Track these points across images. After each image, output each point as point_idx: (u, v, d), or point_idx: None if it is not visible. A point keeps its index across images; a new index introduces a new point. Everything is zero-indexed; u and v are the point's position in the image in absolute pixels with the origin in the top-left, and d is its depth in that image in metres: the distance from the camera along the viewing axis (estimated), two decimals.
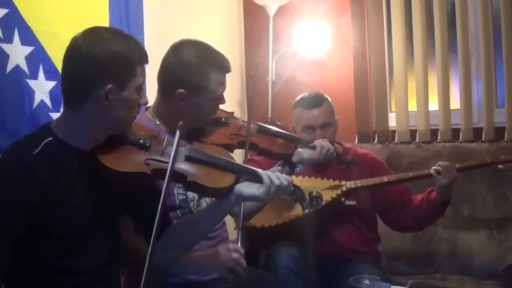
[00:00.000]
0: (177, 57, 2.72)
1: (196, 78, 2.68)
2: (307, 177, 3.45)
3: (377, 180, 3.44)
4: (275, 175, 2.25)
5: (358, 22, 4.67)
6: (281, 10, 4.73)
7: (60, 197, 2.07)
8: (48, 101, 3.03)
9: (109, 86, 2.08)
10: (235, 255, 2.58)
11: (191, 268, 2.58)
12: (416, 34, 4.42)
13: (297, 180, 3.32)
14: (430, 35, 4.42)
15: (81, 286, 2.17)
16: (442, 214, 3.47)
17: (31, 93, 3.00)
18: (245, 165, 2.40)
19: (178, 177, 2.17)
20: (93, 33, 2.13)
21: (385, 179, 3.44)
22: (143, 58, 2.19)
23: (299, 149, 3.09)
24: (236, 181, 2.26)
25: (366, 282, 2.27)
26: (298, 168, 3.11)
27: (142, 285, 1.81)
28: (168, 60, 2.75)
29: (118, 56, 2.09)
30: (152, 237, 1.86)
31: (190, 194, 2.76)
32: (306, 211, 2.81)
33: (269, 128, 3.08)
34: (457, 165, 3.32)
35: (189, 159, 2.23)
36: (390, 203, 3.53)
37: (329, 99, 3.60)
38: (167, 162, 2.09)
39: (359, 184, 3.42)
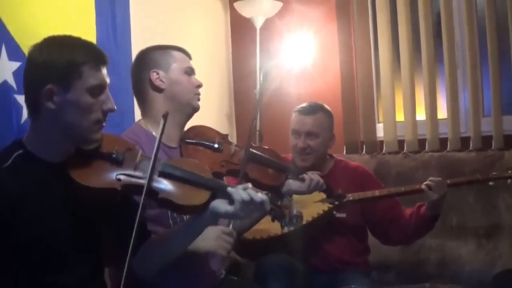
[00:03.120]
0: None
1: None
2: None
3: (368, 194, 3.44)
4: (246, 192, 2.17)
5: (344, 34, 4.69)
6: (268, 23, 4.75)
7: (30, 212, 2.04)
8: None
9: (48, 86, 2.04)
10: (228, 238, 2.61)
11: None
12: (402, 45, 4.44)
13: None
14: (416, 45, 4.44)
15: None
16: (431, 229, 3.48)
17: (19, 108, 2.98)
18: (220, 181, 2.35)
19: (151, 193, 2.12)
20: (42, 41, 2.13)
21: (377, 193, 3.45)
22: (94, 59, 2.11)
23: (289, 180, 3.06)
24: (212, 198, 2.20)
25: None
26: (286, 199, 3.10)
27: None
28: None
29: (56, 57, 2.07)
30: (129, 252, 1.85)
31: None
32: (285, 229, 2.75)
33: (261, 157, 3.01)
34: (448, 181, 3.34)
35: (162, 174, 2.19)
36: (380, 217, 3.54)
37: (329, 113, 3.63)
38: (140, 177, 2.08)
39: (350, 198, 3.41)
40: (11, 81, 2.95)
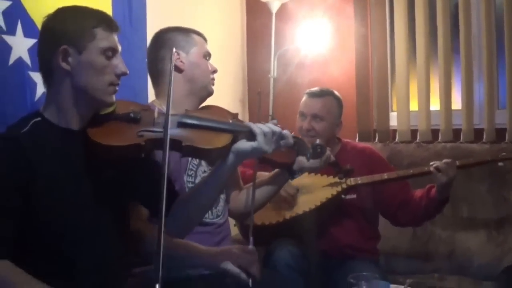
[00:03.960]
0: None
1: None
2: (306, 174, 3.42)
3: (376, 177, 3.44)
4: (265, 125, 2.26)
5: (360, 21, 4.67)
6: (284, 8, 4.72)
7: (50, 178, 2.06)
8: None
9: (63, 46, 2.10)
10: (250, 258, 2.59)
11: (203, 260, 2.58)
12: (418, 34, 4.42)
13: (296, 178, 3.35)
14: (433, 35, 4.42)
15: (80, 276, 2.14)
16: (440, 211, 3.48)
17: (33, 85, 2.99)
18: (239, 123, 2.38)
19: (174, 144, 2.13)
20: (55, 11, 2.20)
21: (385, 176, 3.44)
22: (107, 23, 2.18)
23: (300, 158, 3.06)
24: (234, 141, 2.24)
25: (365, 280, 2.27)
26: (297, 175, 3.10)
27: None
28: None
29: (70, 20, 2.14)
30: (163, 208, 1.82)
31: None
32: (311, 162, 2.76)
33: None
34: (457, 162, 3.32)
35: (182, 125, 2.23)
36: (389, 199, 3.53)
37: (338, 99, 3.65)
38: (160, 131, 2.10)
39: (359, 181, 3.42)
40: (26, 58, 2.96)
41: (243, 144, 2.23)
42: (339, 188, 3.40)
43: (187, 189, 2.70)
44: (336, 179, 3.42)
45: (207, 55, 2.91)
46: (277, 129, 2.27)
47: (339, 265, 3.33)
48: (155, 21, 3.68)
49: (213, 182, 2.32)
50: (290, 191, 3.35)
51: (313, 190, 3.41)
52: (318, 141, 2.56)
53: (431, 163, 3.31)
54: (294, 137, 2.38)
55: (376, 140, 4.53)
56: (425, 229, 3.96)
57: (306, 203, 3.39)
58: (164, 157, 1.85)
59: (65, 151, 2.14)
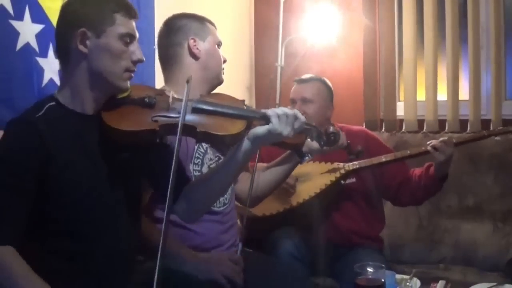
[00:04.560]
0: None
1: None
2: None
3: (375, 160, 3.44)
4: (278, 108, 2.24)
5: (369, 10, 4.66)
6: None
7: (65, 161, 2.08)
8: (57, 80, 3.01)
9: (82, 29, 2.11)
10: (236, 267, 2.66)
11: (190, 266, 2.59)
12: (427, 24, 4.40)
13: None
14: (441, 25, 4.40)
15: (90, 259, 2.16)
16: (440, 189, 3.49)
17: (40, 71, 2.99)
18: (253, 109, 2.38)
19: (188, 129, 2.15)
20: None
21: (383, 158, 3.45)
22: (126, 9, 2.20)
23: (309, 140, 3.04)
24: (248, 127, 2.24)
25: (371, 269, 2.27)
26: (307, 158, 3.08)
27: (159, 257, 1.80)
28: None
29: (90, 3, 2.16)
30: (169, 193, 1.85)
31: (205, 170, 2.78)
32: (325, 148, 2.73)
33: None
34: (454, 140, 3.33)
35: (196, 110, 2.23)
36: (389, 180, 3.55)
37: (326, 83, 3.69)
38: (175, 117, 2.12)
39: (357, 166, 3.43)
40: (34, 44, 2.95)
41: (259, 129, 2.21)
42: (337, 174, 3.41)
43: (193, 178, 2.69)
44: (335, 165, 3.44)
45: (220, 44, 2.93)
46: (290, 111, 2.24)
47: (343, 254, 3.34)
48: (163, 9, 3.68)
49: (228, 168, 2.31)
50: (290, 181, 3.34)
51: (311, 177, 3.42)
52: (331, 128, 2.54)
53: (428, 142, 3.33)
54: (307, 123, 2.36)
55: (383, 130, 4.52)
56: (431, 219, 3.96)
57: (305, 191, 3.40)
58: (178, 141, 1.89)
59: (80, 135, 2.15)
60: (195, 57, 2.84)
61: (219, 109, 2.26)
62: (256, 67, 5.12)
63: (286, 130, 2.21)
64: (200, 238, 2.74)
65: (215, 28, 2.95)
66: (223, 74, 2.93)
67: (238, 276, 2.64)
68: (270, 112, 2.22)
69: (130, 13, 2.20)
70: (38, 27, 2.96)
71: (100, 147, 2.17)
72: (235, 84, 4.81)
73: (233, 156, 2.26)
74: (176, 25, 2.88)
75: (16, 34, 2.88)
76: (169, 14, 2.94)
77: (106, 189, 2.18)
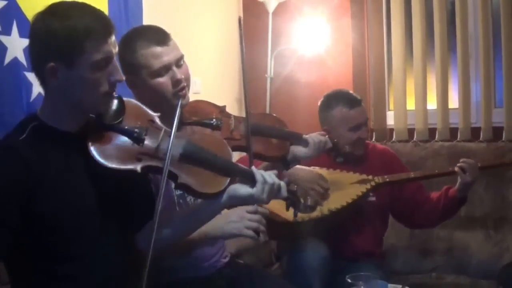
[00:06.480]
0: None
1: None
2: (331, 170, 3.38)
3: (403, 175, 3.42)
4: (268, 174, 2.18)
5: (357, 20, 4.67)
6: (281, 7, 4.72)
7: (52, 183, 1.99)
8: None
9: (50, 64, 1.96)
10: (256, 217, 2.49)
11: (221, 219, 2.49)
12: (415, 33, 4.41)
13: (324, 173, 3.27)
14: (430, 34, 4.41)
15: None
16: (456, 212, 3.49)
17: (28, 85, 2.98)
18: (240, 166, 2.28)
19: (171, 175, 2.08)
20: (45, 9, 2.04)
21: (412, 174, 3.43)
22: (98, 31, 1.99)
23: (293, 147, 2.98)
24: (230, 183, 2.17)
25: (362, 280, 2.26)
26: (291, 165, 3.02)
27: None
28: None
29: (58, 30, 1.95)
30: (154, 229, 1.84)
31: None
32: (298, 215, 2.60)
33: (264, 128, 2.87)
34: (479, 164, 3.32)
35: (184, 158, 2.14)
36: (406, 200, 3.51)
37: None
38: (161, 160, 2.05)
39: (387, 179, 3.36)
40: (22, 58, 2.95)
41: (240, 189, 2.17)
42: (368, 186, 3.32)
43: (175, 197, 2.61)
44: (364, 176, 3.35)
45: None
46: (277, 182, 2.18)
47: (344, 267, 3.26)
48: (152, 18, 3.68)
49: (201, 216, 2.27)
50: (325, 185, 3.21)
51: (340, 187, 3.30)
52: (309, 201, 2.49)
53: (458, 163, 3.30)
54: (288, 190, 2.29)
55: (373, 139, 4.52)
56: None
57: (337, 199, 3.26)
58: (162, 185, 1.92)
59: (66, 153, 2.07)
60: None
61: (206, 162, 2.17)
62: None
63: (266, 199, 2.18)
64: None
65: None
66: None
67: (262, 225, 2.49)
68: (258, 176, 2.16)
69: (104, 33, 2.01)
70: (26, 42, 2.88)
71: (86, 165, 2.08)
72: (225, 96, 4.81)
73: (206, 208, 2.24)
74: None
75: (4, 49, 2.89)
76: (157, 23, 2.91)
77: (96, 207, 2.10)
